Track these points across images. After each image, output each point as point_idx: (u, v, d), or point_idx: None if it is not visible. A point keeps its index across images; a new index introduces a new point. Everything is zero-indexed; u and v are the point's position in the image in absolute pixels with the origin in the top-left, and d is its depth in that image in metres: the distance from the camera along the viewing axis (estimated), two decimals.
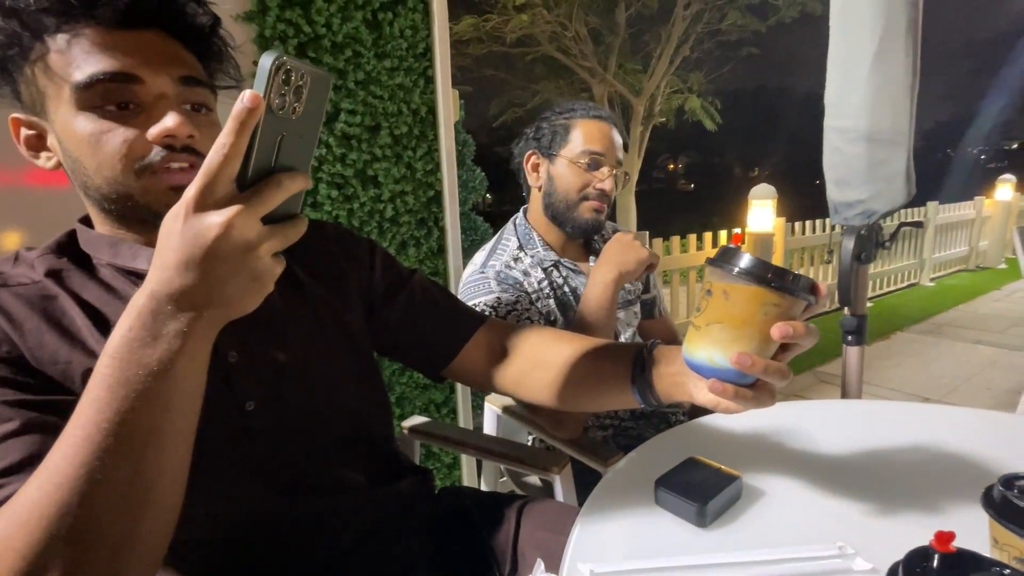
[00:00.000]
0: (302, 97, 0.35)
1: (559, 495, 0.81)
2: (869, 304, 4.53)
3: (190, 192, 0.34)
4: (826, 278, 4.13)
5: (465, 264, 1.11)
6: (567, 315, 1.00)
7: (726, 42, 9.41)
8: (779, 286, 0.41)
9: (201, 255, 0.34)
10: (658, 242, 2.89)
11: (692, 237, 3.14)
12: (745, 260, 0.42)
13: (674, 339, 1.24)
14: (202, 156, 0.49)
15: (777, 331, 0.42)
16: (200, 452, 0.41)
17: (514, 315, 0.93)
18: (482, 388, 0.73)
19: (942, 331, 3.63)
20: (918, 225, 1.36)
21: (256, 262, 0.36)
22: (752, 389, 0.45)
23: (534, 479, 1.10)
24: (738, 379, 0.45)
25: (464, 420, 1.48)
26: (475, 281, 0.99)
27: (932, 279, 5.21)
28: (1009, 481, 0.39)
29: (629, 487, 0.60)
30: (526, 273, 1.00)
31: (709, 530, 0.51)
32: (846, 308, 1.45)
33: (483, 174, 2.19)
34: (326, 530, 0.58)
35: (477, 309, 0.93)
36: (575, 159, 0.99)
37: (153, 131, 0.47)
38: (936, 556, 0.31)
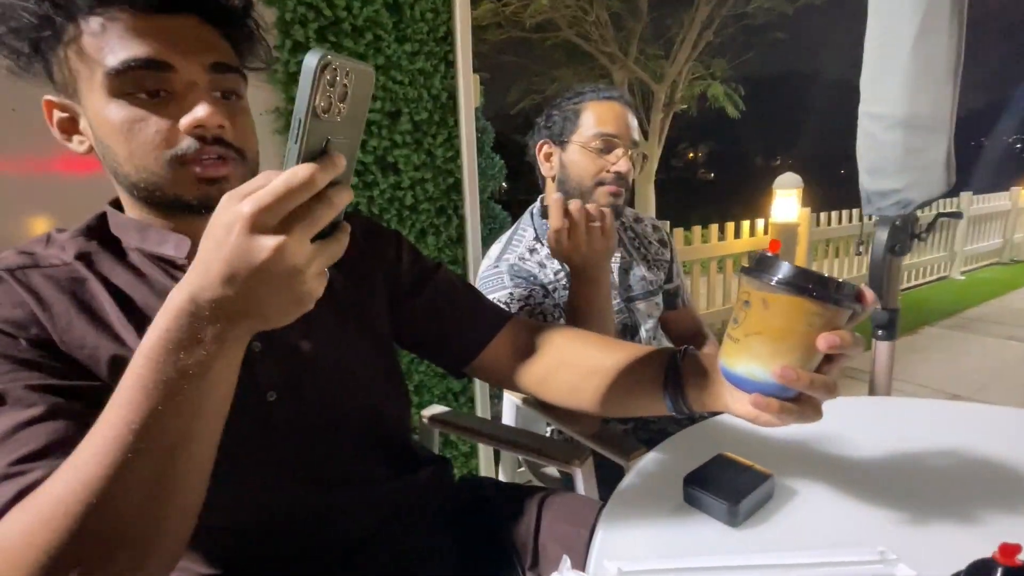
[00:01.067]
0: (347, 96, 0.33)
1: (580, 488, 0.80)
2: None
3: (246, 208, 0.32)
4: (851, 271, 4.03)
5: (484, 253, 1.10)
6: None
7: (751, 26, 9.13)
8: (823, 296, 0.39)
9: (247, 274, 0.33)
10: (679, 232, 2.84)
11: (713, 227, 3.08)
12: (785, 269, 0.40)
13: (698, 330, 1.21)
14: (232, 147, 0.50)
15: (824, 342, 0.40)
16: (221, 441, 0.41)
17: (527, 309, 0.91)
18: (504, 386, 0.72)
19: (972, 326, 3.52)
20: (957, 216, 1.30)
21: (301, 286, 0.35)
22: (796, 403, 0.44)
23: (553, 470, 1.10)
24: (781, 393, 0.43)
25: (482, 409, 1.48)
26: (489, 276, 0.98)
27: (963, 272, 5.05)
28: None
29: (655, 483, 0.59)
30: (542, 264, 0.98)
31: (741, 529, 0.50)
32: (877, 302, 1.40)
33: (502, 162, 2.17)
34: (345, 520, 0.58)
35: None
36: (586, 143, 0.95)
37: (184, 121, 0.46)
38: (1000, 569, 0.29)
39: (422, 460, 0.69)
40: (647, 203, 8.48)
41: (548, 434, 1.09)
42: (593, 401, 0.61)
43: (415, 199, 1.29)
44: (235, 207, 0.33)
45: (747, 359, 0.43)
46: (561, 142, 0.99)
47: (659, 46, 8.97)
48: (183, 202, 0.48)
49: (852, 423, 0.69)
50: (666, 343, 1.13)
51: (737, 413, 0.47)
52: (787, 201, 3.04)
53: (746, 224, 3.20)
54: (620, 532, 0.51)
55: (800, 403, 0.43)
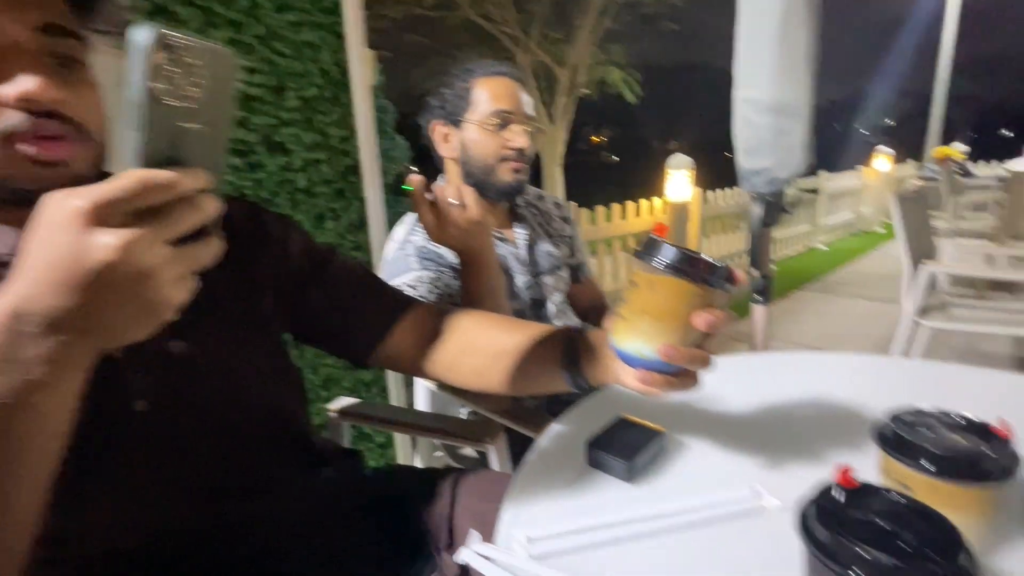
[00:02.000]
0: (198, 79, 0.29)
1: (494, 465, 0.82)
2: (773, 266, 4.95)
3: (80, 203, 0.27)
4: (739, 244, 4.44)
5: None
6: None
7: (646, 15, 9.60)
8: (702, 278, 0.42)
9: (84, 278, 0.27)
10: (584, 213, 2.96)
11: (615, 207, 3.24)
12: (670, 253, 0.43)
13: (600, 302, 1.27)
14: (74, 123, 0.42)
15: (702, 321, 0.43)
16: (94, 460, 0.36)
17: (435, 293, 0.90)
18: (411, 373, 0.70)
19: (832, 288, 4.08)
20: (813, 192, 1.47)
21: (152, 293, 0.29)
22: (677, 376, 0.47)
23: (470, 451, 1.10)
24: (664, 368, 0.46)
25: (396, 397, 1.45)
26: (395, 259, 0.95)
27: (824, 242, 5.79)
28: (896, 417, 0.43)
29: (562, 451, 0.61)
30: None
31: (638, 485, 0.53)
32: (754, 270, 1.56)
33: (406, 143, 2.09)
34: (254, 530, 0.54)
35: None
36: (484, 122, 0.94)
37: (7, 92, 0.38)
38: (840, 490, 0.34)
39: (328, 457, 0.66)
40: (555, 185, 8.69)
41: (464, 416, 1.10)
42: (499, 383, 0.61)
43: (309, 182, 1.21)
44: (67, 200, 0.27)
45: (634, 337, 0.45)
46: (457, 122, 0.97)
47: (561, 30, 9.13)
48: (12, 187, 0.41)
49: (733, 379, 0.77)
50: (572, 316, 1.18)
51: (628, 386, 0.50)
52: (679, 181, 3.27)
53: (644, 204, 3.40)
54: (529, 502, 0.52)
55: (681, 375, 0.47)
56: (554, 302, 1.10)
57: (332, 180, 1.25)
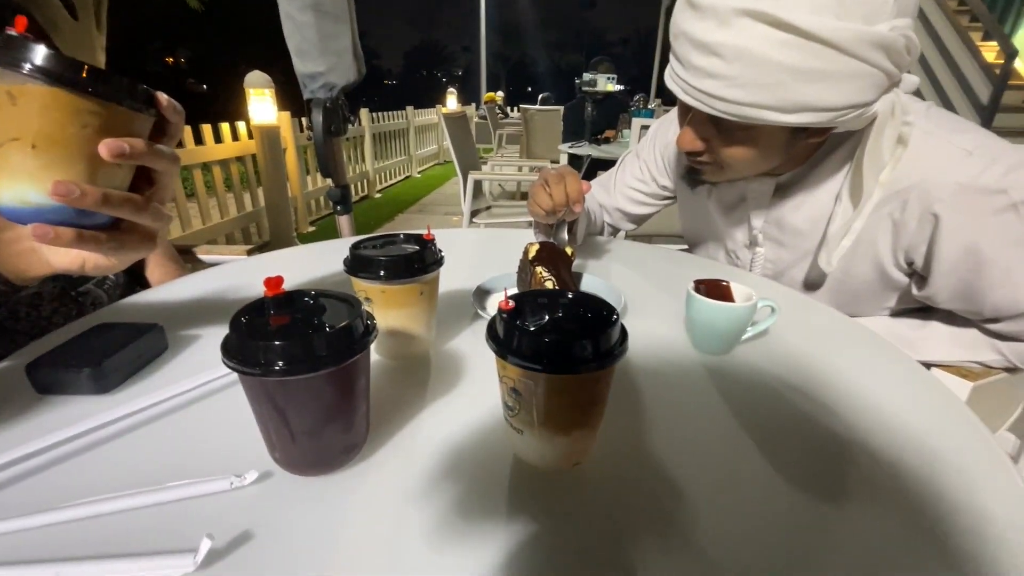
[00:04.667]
0: None
1: None
2: (378, 194, 5.31)
3: None
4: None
5: None
6: None
7: None
8: (94, 90, 0.32)
9: None
10: None
11: (186, 129, 2.69)
12: (41, 53, 0.30)
13: None
14: None
15: (105, 149, 0.33)
16: None
17: None
18: None
19: (427, 208, 4.74)
20: (351, 120, 1.52)
21: None
22: (114, 232, 0.37)
23: None
24: (79, 219, 0.34)
25: None
26: None
27: (419, 172, 6.58)
28: (355, 245, 0.47)
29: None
30: None
31: (120, 391, 0.43)
32: (330, 180, 1.57)
33: None
34: None
35: None
36: None
37: None
38: (269, 302, 0.33)
39: None
40: None
41: None
42: None
43: None
44: None
45: (10, 179, 0.32)
46: None
47: None
48: None
49: (270, 271, 0.74)
50: None
51: (59, 266, 0.38)
52: (261, 102, 2.96)
53: (226, 127, 2.96)
54: None
55: (121, 232, 0.37)
56: None
57: None
